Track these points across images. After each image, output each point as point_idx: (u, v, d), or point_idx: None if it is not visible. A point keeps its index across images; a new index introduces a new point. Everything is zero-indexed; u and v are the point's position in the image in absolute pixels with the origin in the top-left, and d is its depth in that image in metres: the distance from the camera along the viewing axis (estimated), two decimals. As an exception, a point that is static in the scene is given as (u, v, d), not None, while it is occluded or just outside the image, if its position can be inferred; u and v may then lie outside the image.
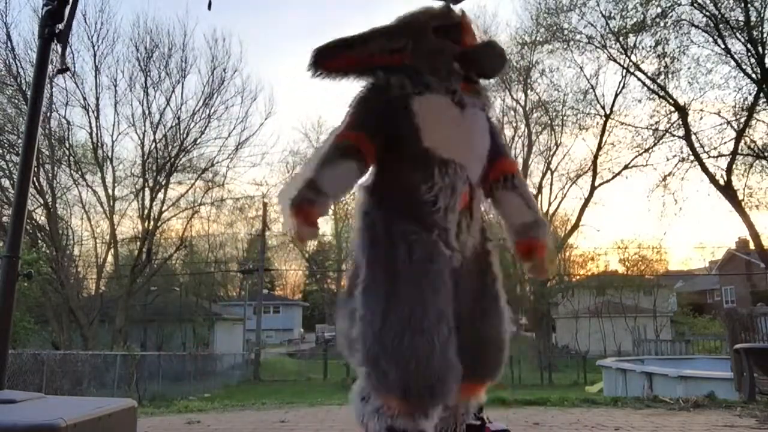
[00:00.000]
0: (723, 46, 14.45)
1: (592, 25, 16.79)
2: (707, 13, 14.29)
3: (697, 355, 15.01)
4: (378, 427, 1.50)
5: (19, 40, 28.69)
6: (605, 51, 17.23)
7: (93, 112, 20.32)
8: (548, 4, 18.27)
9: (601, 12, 16.30)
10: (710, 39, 14.70)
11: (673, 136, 16.39)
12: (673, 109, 15.96)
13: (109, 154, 21.21)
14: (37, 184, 17.99)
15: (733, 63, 14.54)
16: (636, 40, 16.07)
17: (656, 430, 2.98)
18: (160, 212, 21.01)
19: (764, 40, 13.92)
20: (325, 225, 33.88)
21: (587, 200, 24.12)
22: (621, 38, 16.19)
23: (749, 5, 13.68)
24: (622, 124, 19.34)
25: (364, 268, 1.56)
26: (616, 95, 19.77)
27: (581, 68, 19.63)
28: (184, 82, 22.32)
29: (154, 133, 20.76)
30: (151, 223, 20.53)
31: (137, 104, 21.05)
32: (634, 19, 15.52)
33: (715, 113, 15.59)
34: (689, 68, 15.52)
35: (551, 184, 26.88)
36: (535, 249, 1.70)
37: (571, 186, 25.78)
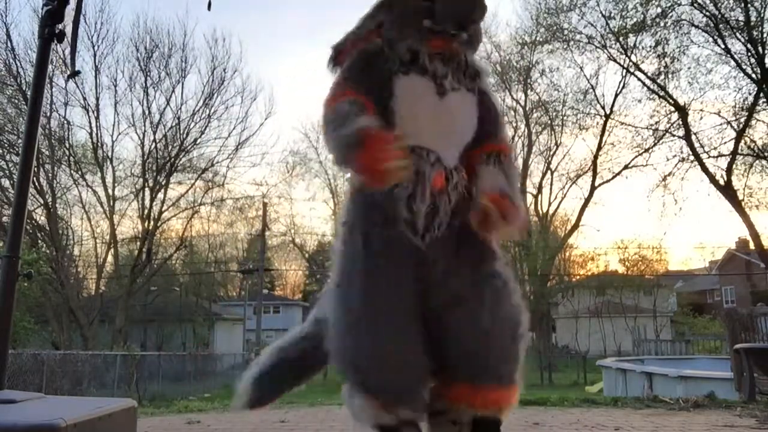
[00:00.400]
0: (723, 46, 14.46)
1: (592, 25, 16.80)
2: (707, 13, 14.29)
3: (697, 355, 15.03)
4: (358, 421, 1.51)
5: (19, 40, 28.67)
6: (605, 51, 17.24)
7: (93, 112, 20.37)
8: (548, 4, 18.28)
9: (601, 12, 16.31)
10: (710, 39, 14.71)
11: (673, 136, 16.41)
12: (673, 109, 15.97)
13: (109, 154, 21.27)
14: (37, 184, 18.00)
15: (733, 63, 14.56)
16: (636, 40, 16.09)
17: (656, 430, 2.98)
18: (160, 212, 21.03)
19: (764, 40, 13.92)
20: (325, 225, 33.94)
21: (587, 200, 24.18)
22: (621, 38, 16.20)
23: (749, 5, 13.68)
24: (622, 124, 19.36)
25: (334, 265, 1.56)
26: (616, 95, 19.81)
27: (581, 68, 19.66)
28: (184, 82, 22.35)
29: (154, 133, 20.80)
30: (151, 223, 20.55)
31: (137, 104, 21.10)
32: (634, 19, 15.53)
33: (715, 113, 15.61)
34: (689, 68, 15.54)
35: (551, 184, 26.97)
36: (502, 204, 1.46)
37: (571, 186, 25.86)
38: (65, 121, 20.09)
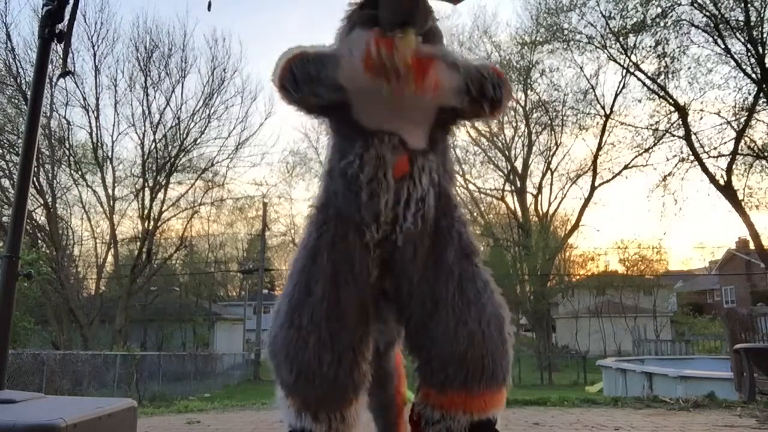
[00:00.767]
0: (723, 46, 14.46)
1: (592, 25, 16.80)
2: (707, 13, 14.29)
3: (697, 355, 15.01)
4: (283, 417, 1.51)
5: (19, 40, 28.66)
6: (605, 51, 17.24)
7: (93, 112, 20.36)
8: (548, 4, 18.29)
9: (601, 12, 16.32)
10: (710, 39, 14.71)
11: (673, 136, 16.41)
12: (673, 109, 15.97)
13: (109, 154, 21.25)
14: (37, 184, 18.01)
15: (733, 63, 14.56)
16: (636, 40, 16.08)
17: (656, 430, 2.98)
18: (160, 212, 21.03)
19: (764, 40, 13.91)
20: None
21: (587, 200, 24.17)
22: (621, 38, 16.20)
23: (749, 5, 13.68)
24: (622, 124, 19.37)
25: None
26: (616, 95, 19.81)
27: (581, 68, 19.68)
28: (184, 82, 22.34)
29: (154, 133, 20.80)
30: (151, 223, 20.54)
31: (137, 104, 21.08)
32: (634, 19, 15.53)
33: (715, 113, 15.61)
34: (689, 68, 15.54)
35: (551, 184, 26.94)
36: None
37: (571, 186, 25.83)
38: (65, 121, 20.12)
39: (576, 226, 25.74)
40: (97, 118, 20.38)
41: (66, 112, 20.23)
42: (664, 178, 16.63)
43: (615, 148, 20.36)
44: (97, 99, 20.37)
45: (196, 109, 21.12)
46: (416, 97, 1.46)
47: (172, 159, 20.75)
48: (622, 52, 16.62)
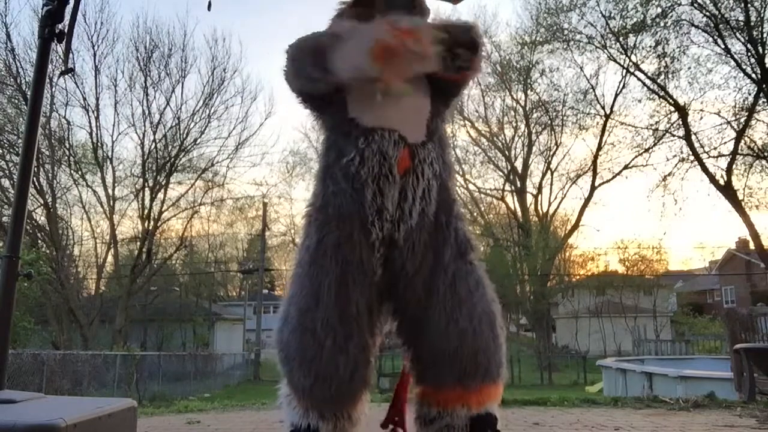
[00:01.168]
0: (723, 46, 14.46)
1: (592, 25, 16.81)
2: (707, 13, 14.29)
3: (697, 355, 15.01)
4: (285, 416, 1.51)
5: (19, 40, 28.66)
6: (605, 51, 17.25)
7: (93, 112, 20.37)
8: (548, 4, 18.29)
9: (601, 12, 16.32)
10: (710, 39, 14.71)
11: (673, 136, 16.41)
12: (673, 109, 15.97)
13: (109, 154, 21.26)
14: (37, 184, 18.00)
15: (733, 63, 14.56)
16: (636, 40, 16.09)
17: (656, 430, 2.98)
18: (160, 212, 21.04)
19: (764, 40, 13.91)
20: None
21: (587, 200, 24.19)
22: (621, 38, 16.20)
23: (749, 5, 13.68)
24: (622, 124, 19.37)
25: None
26: (616, 95, 19.82)
27: (581, 68, 19.68)
28: (184, 82, 22.34)
29: (154, 133, 20.81)
30: (151, 223, 20.55)
31: (137, 104, 21.08)
32: (634, 19, 15.54)
33: (715, 113, 15.61)
34: (689, 68, 15.54)
35: (551, 184, 26.96)
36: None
37: (571, 186, 25.84)
38: (65, 121, 20.12)
39: (576, 226, 25.77)
40: (97, 118, 20.42)
41: (66, 112, 20.27)
42: (664, 178, 16.64)
43: (615, 148, 20.38)
44: (97, 99, 20.41)
45: (196, 109, 21.16)
46: (411, 89, 1.46)
47: (172, 159, 20.76)
48: (622, 52, 16.63)
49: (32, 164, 1.89)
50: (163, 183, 20.82)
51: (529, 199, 27.60)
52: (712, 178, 15.00)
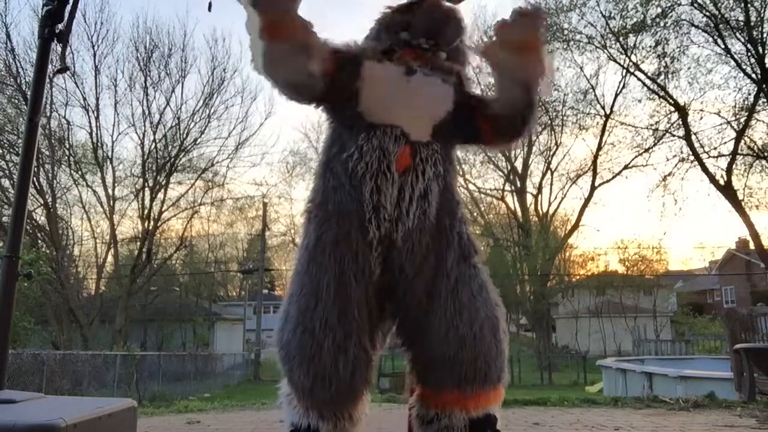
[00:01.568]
0: (723, 46, 14.45)
1: (592, 25, 16.79)
2: (707, 13, 14.28)
3: (697, 355, 15.01)
4: (285, 416, 1.51)
5: (19, 40, 28.67)
6: (605, 51, 17.22)
7: (93, 112, 20.35)
8: (548, 4, 18.26)
9: (601, 12, 16.30)
10: (710, 39, 14.70)
11: (673, 136, 16.40)
12: (673, 109, 15.96)
13: (109, 154, 21.25)
14: (37, 184, 17.99)
15: (733, 63, 14.55)
16: (636, 40, 16.07)
17: (656, 430, 2.98)
18: (160, 212, 21.03)
19: (764, 40, 13.91)
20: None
21: (587, 200, 24.17)
22: (621, 38, 16.19)
23: (749, 5, 13.68)
24: (622, 124, 19.35)
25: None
26: (616, 95, 19.80)
27: (581, 68, 19.63)
28: (184, 82, 22.34)
29: (154, 133, 20.79)
30: (151, 223, 20.54)
31: (137, 104, 21.06)
32: (634, 19, 15.52)
33: (715, 113, 15.60)
34: (689, 68, 15.53)
35: (551, 184, 26.94)
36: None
37: (571, 186, 25.82)
38: (65, 121, 20.11)
39: (576, 226, 25.75)
40: (97, 118, 20.41)
41: (66, 112, 20.26)
42: (664, 178, 16.63)
43: (615, 148, 20.36)
44: (97, 99, 20.39)
45: (196, 109, 21.15)
46: (424, 97, 1.50)
47: (172, 159, 20.75)
48: (622, 52, 16.61)
49: (32, 164, 1.89)
50: (163, 183, 20.83)
51: (529, 199, 27.62)
52: (712, 178, 15.00)
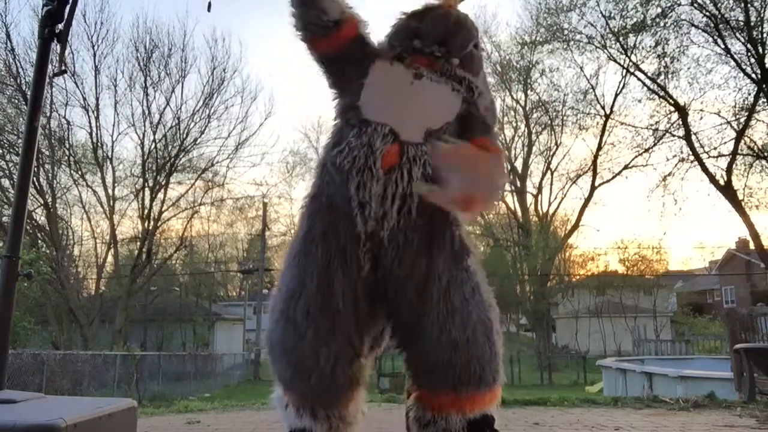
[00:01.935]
0: (723, 46, 14.45)
1: (592, 25, 16.80)
2: (707, 13, 14.28)
3: (697, 355, 15.01)
4: (280, 418, 1.52)
5: (19, 40, 28.60)
6: (605, 51, 17.24)
7: (93, 112, 20.34)
8: (548, 4, 18.29)
9: (601, 12, 16.31)
10: (710, 39, 14.70)
11: (673, 136, 16.39)
12: (673, 109, 15.96)
13: (109, 154, 21.24)
14: (37, 184, 17.99)
15: (733, 63, 14.55)
16: (636, 40, 16.08)
17: (656, 430, 2.98)
18: (160, 212, 21.02)
19: (764, 40, 13.91)
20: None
21: (587, 200, 24.15)
22: (621, 38, 16.19)
23: (749, 5, 13.68)
24: (622, 124, 19.34)
25: None
26: (616, 95, 19.80)
27: (581, 68, 19.66)
28: (184, 82, 22.33)
29: (154, 133, 20.79)
30: (151, 223, 20.54)
31: (137, 104, 21.06)
32: (634, 19, 15.53)
33: (715, 113, 15.59)
34: (689, 68, 15.52)
35: (551, 184, 26.94)
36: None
37: (571, 186, 25.81)
38: (65, 121, 20.11)
39: (576, 226, 25.74)
40: (97, 118, 20.41)
41: (66, 112, 20.25)
42: (664, 178, 16.62)
43: (615, 148, 20.33)
44: (97, 99, 20.39)
45: (196, 109, 21.14)
46: (425, 102, 1.51)
47: (172, 159, 20.74)
48: (622, 52, 16.62)
49: (32, 164, 1.89)
50: (163, 183, 20.82)
51: (529, 199, 27.62)
52: (712, 178, 15.00)
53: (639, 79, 16.88)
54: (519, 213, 27.53)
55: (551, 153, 26.29)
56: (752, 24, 13.77)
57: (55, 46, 1.93)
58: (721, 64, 15.06)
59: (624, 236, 37.85)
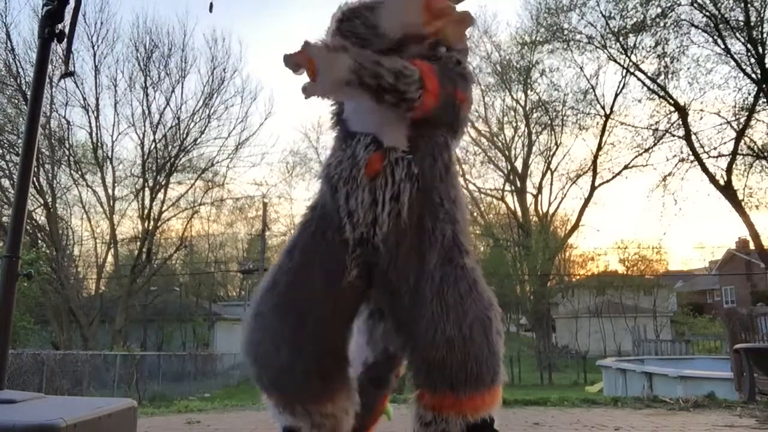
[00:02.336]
0: (723, 46, 14.47)
1: (592, 25, 16.82)
2: (707, 13, 14.30)
3: (697, 355, 15.01)
4: (271, 417, 1.53)
5: (19, 40, 28.59)
6: (605, 51, 17.26)
7: (93, 112, 20.37)
8: (548, 4, 18.31)
9: (601, 12, 16.33)
10: (710, 39, 14.72)
11: (673, 136, 16.41)
12: (673, 109, 15.97)
13: (109, 154, 21.25)
14: (37, 184, 18.00)
15: (733, 63, 14.57)
16: (636, 40, 16.10)
17: (656, 430, 2.98)
18: (160, 212, 21.04)
19: (764, 40, 13.93)
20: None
21: (587, 200, 24.18)
22: (621, 38, 16.21)
23: (749, 5, 13.69)
24: (622, 124, 19.38)
25: None
26: (616, 95, 19.83)
27: (581, 68, 19.67)
28: (184, 82, 22.34)
29: (154, 133, 20.80)
30: (151, 223, 20.55)
31: (137, 104, 21.09)
32: (634, 19, 15.55)
33: (715, 113, 15.62)
34: (689, 68, 15.55)
35: (551, 184, 26.97)
36: None
37: (571, 186, 25.83)
38: (65, 121, 20.11)
39: (576, 226, 25.77)
40: (97, 118, 20.42)
41: (66, 112, 20.27)
42: (664, 178, 16.64)
43: (615, 148, 20.38)
44: (97, 99, 20.41)
45: (196, 109, 21.16)
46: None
47: (172, 159, 20.76)
48: (622, 52, 16.64)
49: (32, 164, 1.89)
50: (163, 183, 20.84)
51: (529, 199, 27.64)
52: (712, 178, 15.01)
53: (639, 79, 16.92)
54: (519, 213, 27.56)
55: (551, 153, 26.33)
56: (752, 24, 13.78)
57: (55, 46, 1.93)
58: (721, 64, 15.10)
59: (624, 236, 37.98)
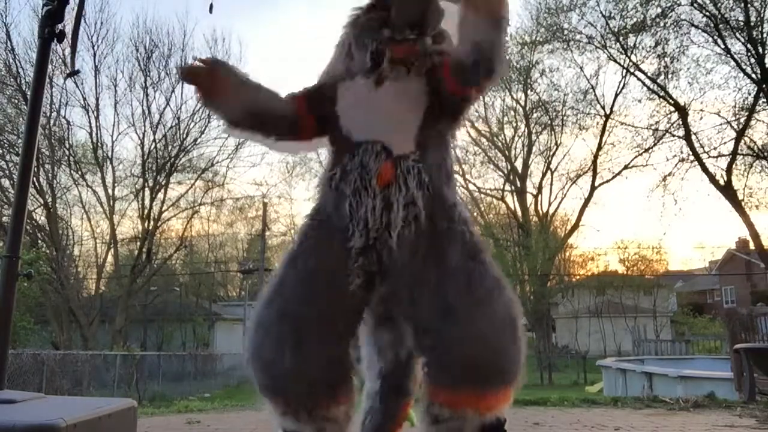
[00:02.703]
0: (723, 46, 14.46)
1: (592, 25, 16.82)
2: (707, 13, 14.29)
3: (697, 355, 15.02)
4: (274, 424, 1.51)
5: (19, 40, 28.59)
6: (605, 51, 17.26)
7: (93, 112, 20.36)
8: (548, 4, 18.31)
9: (601, 12, 16.33)
10: (710, 39, 14.72)
11: (673, 136, 16.41)
12: (673, 109, 15.97)
13: (109, 154, 21.25)
14: (37, 184, 18.00)
15: (733, 63, 14.56)
16: (636, 40, 16.10)
17: (656, 430, 2.98)
18: (160, 212, 21.03)
19: (764, 40, 13.92)
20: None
21: (587, 200, 24.17)
22: (621, 38, 16.21)
23: (749, 5, 13.69)
24: (622, 124, 19.38)
25: None
26: (616, 95, 19.82)
27: (581, 68, 19.68)
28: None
29: (154, 133, 20.79)
30: (151, 223, 20.54)
31: (137, 104, 21.08)
32: (634, 19, 15.55)
33: (715, 113, 15.62)
34: (689, 68, 15.55)
35: (551, 184, 26.93)
36: None
37: (571, 186, 25.82)
38: (65, 121, 20.11)
39: (576, 226, 25.75)
40: (97, 118, 20.42)
41: (66, 112, 20.30)
42: (664, 178, 16.65)
43: (615, 148, 20.39)
44: (97, 99, 20.40)
45: (196, 109, 21.12)
46: (399, 101, 1.50)
47: (172, 159, 20.75)
48: (622, 52, 16.64)
49: (32, 164, 1.89)
50: (163, 183, 20.83)
51: (529, 199, 27.61)
52: (712, 178, 15.01)
53: (639, 79, 16.92)
54: (519, 213, 27.54)
55: (551, 153, 26.30)
56: (752, 24, 13.78)
57: (56, 46, 1.93)
58: (721, 64, 15.10)
59: (624, 236, 37.96)
